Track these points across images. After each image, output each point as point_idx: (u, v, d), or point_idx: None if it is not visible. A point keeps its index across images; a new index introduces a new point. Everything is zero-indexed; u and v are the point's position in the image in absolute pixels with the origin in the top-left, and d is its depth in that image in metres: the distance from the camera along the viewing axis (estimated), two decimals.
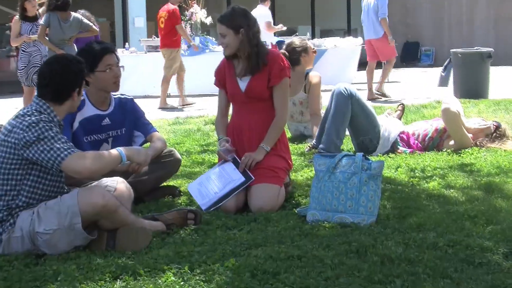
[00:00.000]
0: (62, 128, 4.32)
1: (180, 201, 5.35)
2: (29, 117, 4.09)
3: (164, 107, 12.72)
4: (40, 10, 10.68)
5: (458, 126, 6.81)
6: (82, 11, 13.85)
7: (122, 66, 5.31)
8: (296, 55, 7.61)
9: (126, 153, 4.31)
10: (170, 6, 12.92)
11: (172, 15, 12.78)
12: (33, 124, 4.05)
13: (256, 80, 5.22)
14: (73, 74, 4.26)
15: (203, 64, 14.51)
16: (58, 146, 4.03)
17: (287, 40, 8.93)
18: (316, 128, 7.34)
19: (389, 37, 12.71)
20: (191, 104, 13.03)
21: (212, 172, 5.21)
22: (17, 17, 10.55)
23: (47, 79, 4.24)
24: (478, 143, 6.90)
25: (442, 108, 6.95)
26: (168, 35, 12.87)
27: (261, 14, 14.67)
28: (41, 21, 10.32)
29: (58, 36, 10.22)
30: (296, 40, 7.82)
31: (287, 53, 7.57)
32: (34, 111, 4.15)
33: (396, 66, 22.51)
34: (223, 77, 5.40)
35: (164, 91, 12.97)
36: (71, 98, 4.26)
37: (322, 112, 7.71)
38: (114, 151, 4.29)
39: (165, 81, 12.99)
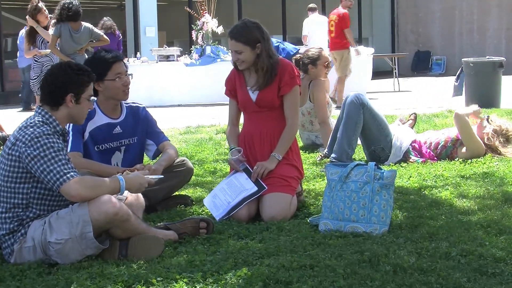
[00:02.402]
0: (67, 135, 4.31)
1: (192, 210, 5.35)
2: (32, 129, 4.07)
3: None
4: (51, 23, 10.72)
5: (470, 131, 6.82)
6: (106, 18, 13.95)
7: (131, 74, 5.33)
8: (304, 65, 7.62)
9: (127, 186, 4.20)
10: (340, 10, 13.67)
11: (342, 18, 13.61)
12: (35, 139, 4.02)
13: (267, 89, 5.22)
14: (64, 77, 4.21)
15: (214, 73, 14.57)
16: (58, 169, 3.98)
17: (303, 48, 8.95)
18: (326, 137, 7.32)
19: None
20: None
21: (225, 183, 5.21)
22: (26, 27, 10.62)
23: (42, 82, 4.29)
24: (493, 148, 6.86)
25: (454, 114, 6.98)
26: (338, 38, 13.69)
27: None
28: (52, 32, 10.35)
29: (69, 46, 10.25)
30: (311, 50, 7.82)
31: (299, 61, 7.60)
32: (36, 122, 4.13)
33: (407, 75, 22.57)
34: (233, 87, 5.40)
35: (340, 91, 13.68)
36: (65, 104, 4.20)
37: (332, 120, 7.69)
38: (115, 182, 4.18)
39: (341, 82, 13.81)
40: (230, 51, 5.32)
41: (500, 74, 12.21)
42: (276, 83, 5.21)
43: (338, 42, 13.80)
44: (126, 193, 4.44)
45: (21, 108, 15.62)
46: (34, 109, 14.19)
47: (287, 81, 5.20)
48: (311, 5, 16.44)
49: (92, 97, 4.35)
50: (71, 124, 5.07)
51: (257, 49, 5.15)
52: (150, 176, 4.62)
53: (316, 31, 15.86)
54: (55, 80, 4.23)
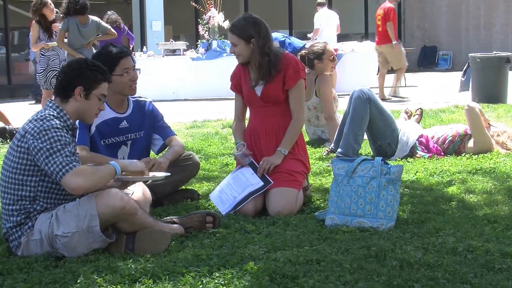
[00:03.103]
0: (76, 131, 4.32)
1: (198, 205, 5.35)
2: (41, 122, 4.08)
3: (395, 95, 14.10)
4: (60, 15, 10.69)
5: (481, 124, 6.88)
6: (110, 12, 13.93)
7: (138, 69, 5.33)
8: (310, 61, 7.60)
9: (120, 165, 4.21)
10: (387, 4, 14.09)
11: (386, 13, 13.95)
12: (44, 132, 4.03)
13: (271, 84, 5.21)
14: (78, 70, 4.25)
15: (220, 68, 14.56)
16: (61, 160, 3.98)
17: (309, 43, 8.92)
18: (332, 132, 7.32)
19: None
20: (403, 98, 13.98)
21: (231, 178, 5.22)
22: (34, 21, 10.60)
23: (58, 73, 4.38)
24: (502, 142, 6.89)
25: (465, 106, 7.04)
26: (386, 32, 14.01)
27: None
28: (59, 26, 10.34)
29: (77, 40, 10.24)
30: (316, 45, 7.81)
31: (305, 56, 7.58)
32: (47, 115, 4.13)
33: (413, 70, 22.54)
34: (238, 82, 5.40)
35: (398, 80, 14.23)
36: (74, 97, 4.22)
37: (338, 115, 7.68)
38: (109, 166, 4.19)
39: (400, 72, 14.37)
40: None
41: (507, 70, 12.19)
42: (280, 77, 5.20)
43: (387, 36, 14.06)
44: (134, 186, 4.45)
45: (33, 101, 15.69)
46: (39, 99, 14.27)
47: (291, 75, 5.20)
48: (320, 0, 16.43)
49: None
50: None
51: (252, 45, 5.16)
52: (157, 174, 4.62)
53: (326, 25, 15.88)
54: (69, 72, 4.28)
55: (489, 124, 7.10)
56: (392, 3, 14.10)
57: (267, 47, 5.18)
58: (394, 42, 14.16)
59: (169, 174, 4.67)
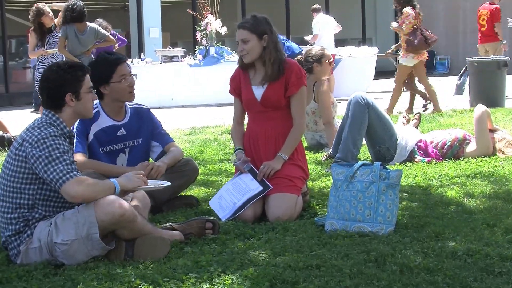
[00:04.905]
0: (73, 138, 4.31)
1: (198, 211, 5.34)
2: (38, 130, 4.08)
3: None
4: (56, 21, 10.69)
5: (486, 126, 6.95)
6: (100, 20, 13.97)
7: (135, 75, 5.32)
8: (309, 65, 7.60)
9: (120, 183, 4.19)
10: (492, 5, 14.46)
11: (494, 13, 14.40)
12: (42, 140, 4.03)
13: (272, 88, 5.21)
14: (57, 79, 4.21)
15: (218, 74, 14.58)
16: (61, 168, 3.98)
17: (306, 48, 8.93)
18: (330, 138, 7.33)
19: None
20: None
21: (230, 184, 5.21)
22: (32, 29, 10.60)
23: (39, 88, 4.32)
24: (499, 149, 6.92)
25: (478, 105, 7.16)
26: (491, 31, 14.55)
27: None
28: (59, 33, 10.33)
29: (76, 48, 10.24)
30: (314, 49, 7.82)
31: (302, 60, 7.58)
32: (44, 123, 4.14)
33: None
34: (238, 85, 5.39)
35: None
36: (67, 104, 4.21)
37: (337, 120, 7.69)
38: (109, 182, 4.17)
39: None
40: (234, 51, 5.33)
41: (504, 73, 12.19)
42: (282, 82, 5.20)
43: (491, 35, 14.51)
44: (131, 194, 4.45)
45: (33, 109, 15.65)
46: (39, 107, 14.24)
47: (294, 82, 5.20)
48: (315, 6, 16.46)
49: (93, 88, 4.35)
50: (76, 125, 5.06)
51: (264, 41, 5.15)
52: (157, 182, 4.62)
53: (324, 31, 15.92)
54: (49, 84, 4.24)
55: (494, 130, 7.12)
56: (496, 3, 14.36)
57: (278, 44, 5.21)
58: (502, 42, 14.44)
59: (169, 183, 4.65)
